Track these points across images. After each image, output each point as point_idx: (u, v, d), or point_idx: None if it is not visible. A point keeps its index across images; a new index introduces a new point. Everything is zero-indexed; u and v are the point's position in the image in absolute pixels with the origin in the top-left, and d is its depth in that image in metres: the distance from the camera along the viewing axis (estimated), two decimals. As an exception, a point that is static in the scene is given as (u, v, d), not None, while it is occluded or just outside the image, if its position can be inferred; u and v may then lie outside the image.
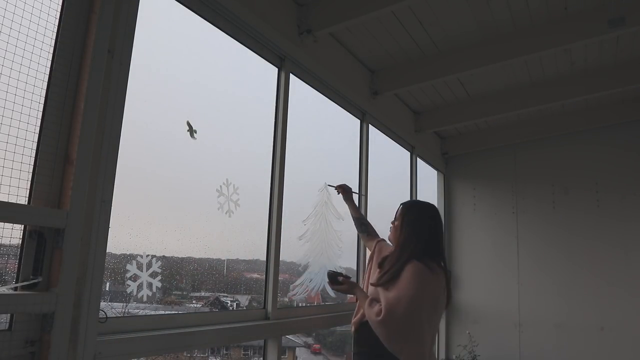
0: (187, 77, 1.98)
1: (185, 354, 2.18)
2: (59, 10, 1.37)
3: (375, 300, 1.92)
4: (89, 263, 1.36)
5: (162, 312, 1.79)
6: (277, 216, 2.34)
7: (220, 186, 2.03)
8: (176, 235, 1.80)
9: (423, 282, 1.83)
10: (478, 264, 4.52)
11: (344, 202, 2.67)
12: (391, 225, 2.16)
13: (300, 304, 2.78)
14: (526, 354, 4.12)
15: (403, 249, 1.97)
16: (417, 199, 2.19)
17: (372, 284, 2.02)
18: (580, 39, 2.70)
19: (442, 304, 1.96)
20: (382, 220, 3.64)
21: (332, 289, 2.20)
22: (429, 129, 4.12)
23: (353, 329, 2.09)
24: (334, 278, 2.18)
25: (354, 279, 2.35)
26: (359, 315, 2.05)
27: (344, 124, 3.23)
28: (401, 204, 2.14)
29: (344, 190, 2.65)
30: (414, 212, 2.05)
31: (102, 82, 1.42)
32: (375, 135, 3.47)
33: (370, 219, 3.20)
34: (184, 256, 1.92)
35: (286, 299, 2.63)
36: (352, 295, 2.18)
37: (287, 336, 2.52)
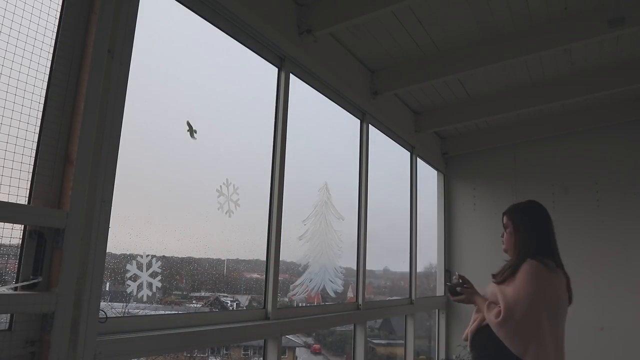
0: (187, 77, 1.98)
1: (185, 354, 2.18)
2: (59, 10, 1.37)
3: (494, 303, 1.89)
4: (89, 263, 1.36)
5: (162, 312, 1.79)
6: (277, 216, 2.34)
7: (220, 186, 2.03)
8: (176, 235, 1.80)
9: (541, 280, 1.81)
10: (478, 263, 4.52)
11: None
12: (502, 238, 2.16)
13: (300, 304, 2.78)
14: (526, 354, 4.11)
15: (519, 249, 1.98)
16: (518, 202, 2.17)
17: (492, 283, 2.01)
18: (580, 39, 2.70)
19: (565, 304, 1.91)
20: (382, 220, 3.65)
21: (453, 300, 2.17)
22: (429, 129, 4.12)
23: (468, 337, 2.03)
24: (453, 290, 2.15)
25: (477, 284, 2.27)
26: (475, 324, 1.99)
27: (344, 124, 3.23)
28: (506, 212, 2.16)
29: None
30: (523, 213, 2.08)
31: (102, 82, 1.42)
32: (375, 135, 3.47)
33: (370, 219, 3.22)
34: (184, 256, 1.92)
35: (286, 299, 2.63)
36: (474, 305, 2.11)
37: (287, 336, 2.52)
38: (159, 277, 1.73)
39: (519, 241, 2.01)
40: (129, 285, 1.65)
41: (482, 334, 1.93)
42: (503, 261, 4.58)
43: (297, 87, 2.62)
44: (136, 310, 1.72)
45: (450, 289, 2.18)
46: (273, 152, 2.40)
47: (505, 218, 2.14)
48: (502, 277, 1.93)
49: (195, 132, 1.89)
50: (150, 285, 1.69)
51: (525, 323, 1.75)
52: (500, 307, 1.81)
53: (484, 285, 4.43)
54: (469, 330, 2.04)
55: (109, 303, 1.66)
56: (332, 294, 2.94)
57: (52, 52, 1.35)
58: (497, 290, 1.88)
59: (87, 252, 1.35)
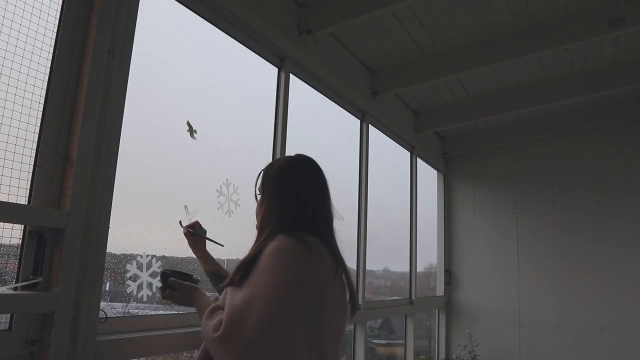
0: (187, 77, 1.98)
1: (185, 354, 2.18)
2: (59, 10, 1.37)
3: (219, 309, 1.18)
4: (89, 263, 1.36)
5: (162, 312, 1.79)
6: (277, 216, 2.34)
7: (220, 186, 2.03)
8: (176, 235, 1.80)
9: (293, 266, 1.12)
10: (478, 264, 4.52)
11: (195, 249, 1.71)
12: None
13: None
14: (526, 354, 4.12)
15: (263, 226, 1.29)
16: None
17: (221, 286, 1.28)
18: (580, 39, 2.70)
19: (338, 306, 1.22)
20: (382, 220, 3.65)
21: (163, 297, 1.44)
22: (429, 129, 4.12)
23: None
24: (165, 280, 1.42)
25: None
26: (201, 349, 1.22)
27: (344, 124, 3.23)
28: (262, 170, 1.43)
29: (191, 233, 1.67)
30: (279, 171, 1.36)
31: (102, 82, 1.42)
32: (375, 135, 3.47)
33: (370, 219, 3.21)
34: (184, 256, 1.92)
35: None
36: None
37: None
38: (159, 277, 1.73)
39: (267, 212, 1.29)
40: (129, 285, 1.65)
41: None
42: (503, 261, 4.51)
43: (297, 87, 2.62)
44: (136, 310, 1.72)
45: (163, 278, 1.43)
46: (273, 152, 2.40)
47: (259, 179, 1.41)
48: (241, 272, 1.17)
49: (195, 132, 1.89)
50: (150, 285, 1.70)
51: (261, 340, 1.02)
52: (222, 314, 1.11)
53: (483, 285, 4.39)
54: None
55: (109, 303, 1.66)
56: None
57: (52, 52, 1.35)
58: (230, 288, 1.17)
59: (87, 252, 1.35)
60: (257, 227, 1.35)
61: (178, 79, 1.93)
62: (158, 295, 1.72)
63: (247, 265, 1.16)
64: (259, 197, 1.39)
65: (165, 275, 1.43)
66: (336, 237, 1.37)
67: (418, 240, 4.08)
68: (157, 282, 1.72)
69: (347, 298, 1.27)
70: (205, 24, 2.03)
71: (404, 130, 3.84)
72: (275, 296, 1.06)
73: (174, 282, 1.41)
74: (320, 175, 1.44)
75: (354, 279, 3.11)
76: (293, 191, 1.31)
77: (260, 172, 1.42)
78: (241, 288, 1.12)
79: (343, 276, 1.28)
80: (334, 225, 1.41)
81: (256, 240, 1.29)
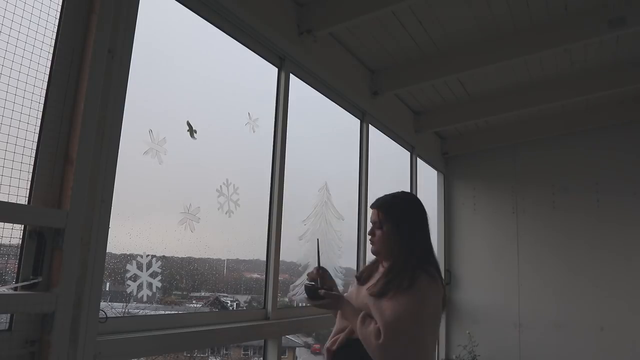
0: (187, 77, 1.98)
1: (185, 354, 2.18)
2: (59, 10, 1.37)
3: (369, 316, 1.53)
4: (89, 263, 1.36)
5: (162, 312, 1.79)
6: (277, 216, 2.34)
7: (220, 186, 2.03)
8: (176, 235, 1.80)
9: (430, 297, 1.53)
10: (478, 264, 4.52)
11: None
12: (370, 237, 1.72)
13: (300, 304, 2.78)
14: (526, 354, 4.12)
15: (403, 255, 1.60)
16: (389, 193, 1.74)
17: (359, 287, 1.68)
18: (580, 39, 2.70)
19: (441, 313, 1.66)
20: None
21: (314, 305, 1.71)
22: (429, 129, 4.12)
23: (330, 353, 1.62)
24: (314, 293, 1.70)
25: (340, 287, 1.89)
26: (342, 336, 1.61)
27: (344, 124, 3.23)
28: (379, 206, 1.71)
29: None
30: (405, 209, 1.70)
31: (102, 82, 1.42)
32: (375, 135, 3.47)
33: (370, 219, 3.20)
34: (184, 256, 1.92)
35: (286, 299, 2.63)
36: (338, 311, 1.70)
37: (287, 336, 2.52)
38: (159, 277, 1.73)
39: (401, 244, 1.61)
40: (129, 285, 1.65)
41: (352, 351, 1.54)
42: (503, 261, 4.49)
43: (297, 87, 2.62)
44: (136, 310, 1.72)
45: (310, 292, 1.71)
46: (273, 152, 2.40)
47: (378, 213, 1.69)
48: (381, 288, 1.53)
49: (195, 132, 1.89)
50: (150, 285, 1.70)
51: (411, 347, 1.44)
52: (378, 324, 1.46)
53: (483, 285, 4.38)
54: (330, 343, 1.62)
55: (109, 303, 1.66)
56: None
57: (52, 52, 1.35)
58: (372, 303, 1.52)
59: (87, 252, 1.35)
60: (375, 252, 1.72)
61: (178, 79, 1.93)
62: (158, 295, 1.72)
63: (390, 283, 1.53)
64: (379, 225, 1.68)
65: (313, 289, 1.71)
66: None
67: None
68: (157, 282, 1.72)
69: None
70: (205, 24, 2.03)
71: (404, 130, 3.83)
72: (420, 319, 1.48)
73: (326, 293, 1.68)
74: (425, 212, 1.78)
75: (353, 279, 3.12)
76: (424, 226, 1.72)
77: (377, 204, 1.73)
78: (381, 301, 1.50)
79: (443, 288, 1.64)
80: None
81: (382, 262, 1.70)
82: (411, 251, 1.60)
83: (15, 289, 1.23)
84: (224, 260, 2.18)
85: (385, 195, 1.75)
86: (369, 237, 1.73)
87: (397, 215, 1.66)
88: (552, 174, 4.28)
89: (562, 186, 4.21)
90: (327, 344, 1.64)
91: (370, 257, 3.25)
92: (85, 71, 1.39)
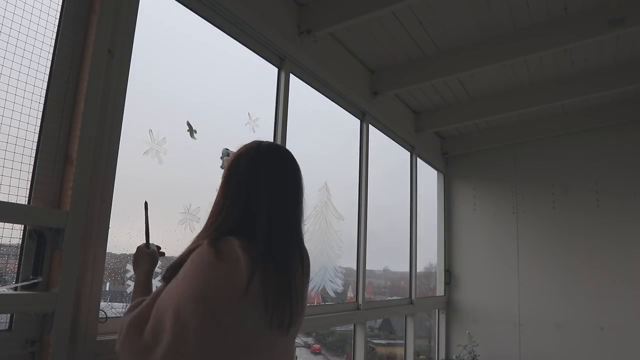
0: (187, 77, 1.98)
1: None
2: (59, 10, 1.37)
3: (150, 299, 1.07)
4: (89, 263, 1.36)
5: (162, 312, 1.78)
6: (277, 216, 2.34)
7: (220, 186, 2.03)
8: (176, 235, 1.80)
9: (196, 276, 1.01)
10: (478, 264, 4.52)
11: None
12: None
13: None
14: (526, 354, 4.12)
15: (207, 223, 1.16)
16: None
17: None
18: (580, 39, 2.70)
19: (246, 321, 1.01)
20: (382, 220, 3.65)
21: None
22: (429, 129, 4.12)
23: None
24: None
25: None
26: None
27: (344, 124, 3.23)
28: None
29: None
30: (231, 167, 1.20)
31: (102, 82, 1.42)
32: (375, 135, 3.47)
33: (370, 219, 3.21)
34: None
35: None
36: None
37: (287, 336, 2.51)
38: (159, 277, 1.73)
39: (214, 209, 1.17)
40: (129, 285, 1.65)
41: None
42: (503, 261, 4.50)
43: (297, 87, 2.62)
44: (136, 310, 1.71)
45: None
46: (273, 152, 2.40)
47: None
48: (169, 272, 1.10)
49: (195, 132, 1.89)
50: (150, 285, 1.69)
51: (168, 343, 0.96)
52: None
53: (483, 285, 4.39)
54: None
55: (109, 303, 1.66)
56: (332, 294, 2.94)
57: (52, 52, 1.35)
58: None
59: (87, 252, 1.35)
60: None
61: (178, 78, 1.93)
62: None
63: (174, 266, 1.10)
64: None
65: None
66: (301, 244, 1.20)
67: (418, 240, 4.08)
68: (157, 282, 1.71)
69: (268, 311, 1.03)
70: (205, 24, 2.03)
71: (404, 130, 3.84)
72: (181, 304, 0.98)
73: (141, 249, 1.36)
74: (286, 171, 1.22)
75: (353, 279, 3.12)
76: (242, 190, 1.13)
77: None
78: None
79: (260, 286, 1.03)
80: (299, 230, 1.21)
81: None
82: (212, 216, 1.15)
83: (15, 289, 1.23)
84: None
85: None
86: None
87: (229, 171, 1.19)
88: (552, 174, 4.28)
89: (562, 186, 4.22)
90: None
91: (370, 257, 3.26)
92: (85, 71, 1.39)
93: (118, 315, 1.61)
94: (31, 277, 1.25)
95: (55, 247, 1.28)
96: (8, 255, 1.26)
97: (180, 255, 1.12)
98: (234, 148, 1.27)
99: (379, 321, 4.25)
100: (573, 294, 4.00)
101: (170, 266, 1.11)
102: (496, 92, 3.71)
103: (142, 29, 1.61)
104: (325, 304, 2.92)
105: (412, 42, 2.94)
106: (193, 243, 1.13)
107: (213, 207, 1.17)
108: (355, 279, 3.13)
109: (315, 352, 3.71)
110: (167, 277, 1.08)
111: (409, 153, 4.09)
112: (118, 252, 1.61)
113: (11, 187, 1.23)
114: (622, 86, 3.34)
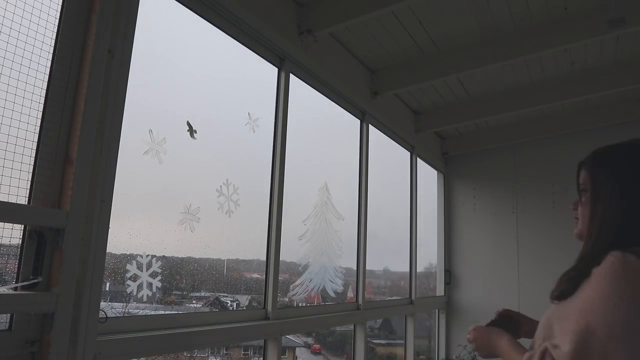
0: (187, 77, 1.98)
1: (185, 354, 2.18)
2: (59, 10, 1.37)
3: (524, 349, 1.12)
4: (89, 263, 1.36)
5: (162, 312, 1.79)
6: (277, 216, 2.34)
7: (220, 186, 2.03)
8: (176, 235, 1.80)
9: (632, 287, 0.89)
10: (478, 263, 4.52)
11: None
12: (575, 212, 1.18)
13: (300, 304, 2.78)
14: (526, 354, 4.11)
15: (590, 233, 1.07)
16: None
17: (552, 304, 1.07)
18: (580, 39, 2.70)
19: None
20: (382, 220, 3.65)
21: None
22: (429, 129, 4.12)
23: None
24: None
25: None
26: None
27: (344, 124, 3.23)
28: (585, 163, 1.21)
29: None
30: (621, 167, 1.12)
31: (102, 82, 1.42)
32: (375, 135, 3.47)
33: (370, 219, 3.21)
34: (184, 256, 1.92)
35: (286, 299, 2.63)
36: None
37: (287, 336, 2.52)
38: (159, 277, 1.73)
39: (599, 217, 1.05)
40: (129, 285, 1.65)
41: None
42: (503, 261, 4.50)
43: (297, 87, 2.62)
44: (136, 310, 1.72)
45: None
46: (273, 152, 2.40)
47: (583, 174, 1.18)
48: (561, 288, 1.03)
49: (195, 132, 1.89)
50: (150, 285, 1.70)
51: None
52: (552, 344, 0.96)
53: (483, 284, 4.37)
54: None
55: (109, 303, 1.66)
56: (332, 294, 2.94)
57: (52, 52, 1.35)
58: (551, 315, 1.04)
59: (87, 252, 1.35)
60: (578, 234, 1.14)
61: (178, 79, 1.93)
62: (158, 295, 1.72)
63: (571, 278, 1.00)
64: (584, 192, 1.14)
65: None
66: None
67: (418, 240, 4.08)
68: (157, 282, 1.72)
69: None
70: (206, 24, 2.03)
71: (404, 130, 3.84)
72: (615, 334, 0.86)
73: (476, 328, 1.29)
74: None
75: (353, 279, 3.12)
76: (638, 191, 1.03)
77: (589, 161, 1.18)
78: (566, 306, 0.97)
79: None
80: None
81: (583, 250, 1.08)
82: (605, 225, 1.04)
83: (15, 289, 1.23)
84: (224, 260, 2.18)
85: (605, 148, 1.20)
86: (574, 214, 1.18)
87: (604, 174, 1.13)
88: (552, 174, 4.27)
89: (562, 186, 4.21)
90: None
91: (370, 257, 3.26)
92: (85, 71, 1.39)
93: (118, 315, 1.62)
94: (31, 277, 1.25)
95: (55, 247, 1.28)
96: (8, 255, 1.26)
97: (573, 268, 1.04)
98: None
99: (379, 321, 4.25)
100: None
101: (562, 280, 1.03)
102: (496, 92, 3.71)
103: (142, 29, 1.61)
104: (325, 304, 2.92)
105: (412, 42, 2.94)
106: (584, 255, 1.05)
107: (591, 211, 1.08)
108: (355, 279, 3.13)
109: (315, 352, 3.71)
110: (558, 295, 1.01)
111: (409, 153, 4.09)
112: (118, 252, 1.61)
113: (11, 187, 1.23)
114: (622, 86, 3.34)
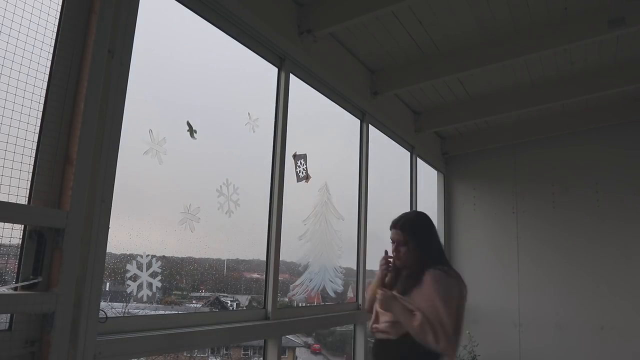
0: (187, 77, 1.98)
1: (185, 353, 2.18)
2: (59, 10, 1.37)
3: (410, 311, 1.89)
4: (89, 263, 1.36)
5: (162, 312, 1.79)
6: (277, 216, 2.34)
7: (220, 186, 2.03)
8: (176, 235, 1.80)
9: (450, 289, 1.95)
10: (478, 264, 4.52)
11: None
12: (392, 252, 2.04)
13: (300, 304, 2.78)
14: (526, 354, 4.12)
15: (414, 262, 1.98)
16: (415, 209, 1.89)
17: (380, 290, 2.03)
18: (580, 39, 2.70)
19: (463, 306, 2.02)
20: (382, 220, 3.64)
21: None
22: (429, 129, 4.12)
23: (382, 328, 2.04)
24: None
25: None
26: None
27: (344, 124, 3.23)
28: (400, 227, 2.02)
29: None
30: (421, 227, 2.05)
31: (102, 82, 1.42)
32: (375, 135, 3.47)
33: (370, 219, 3.21)
34: (184, 256, 1.92)
35: (286, 299, 2.63)
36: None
37: (287, 336, 2.52)
38: (159, 277, 1.73)
39: (420, 254, 1.99)
40: (129, 285, 1.65)
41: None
42: (503, 262, 4.53)
43: (297, 87, 2.62)
44: (136, 310, 1.72)
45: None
46: (273, 152, 2.40)
47: (400, 234, 2.01)
48: (403, 287, 1.96)
49: (195, 132, 1.89)
50: (150, 285, 1.69)
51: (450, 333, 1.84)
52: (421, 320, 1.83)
53: (483, 285, 4.39)
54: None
55: (109, 303, 1.66)
56: (332, 294, 2.94)
57: (52, 52, 1.35)
58: (403, 299, 1.92)
59: (87, 252, 1.35)
60: (400, 264, 2.03)
61: (178, 79, 1.93)
62: (158, 295, 1.72)
63: (408, 283, 1.95)
64: (400, 241, 2.00)
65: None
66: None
67: (418, 240, 4.07)
68: (157, 282, 1.72)
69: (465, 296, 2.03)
70: (205, 24, 2.03)
71: (404, 130, 3.83)
72: (448, 308, 1.85)
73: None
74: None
75: (353, 279, 3.12)
76: (434, 237, 2.06)
77: (398, 223, 2.03)
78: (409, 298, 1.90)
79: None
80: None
81: (407, 270, 2.01)
82: (425, 258, 1.99)
83: (15, 289, 1.23)
84: (224, 260, 2.18)
85: (402, 216, 2.07)
86: (393, 254, 2.04)
87: (417, 232, 2.01)
88: (552, 174, 4.28)
89: (562, 186, 4.21)
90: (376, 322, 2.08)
91: (370, 257, 3.26)
92: (85, 71, 1.39)
93: (118, 315, 1.62)
94: (31, 277, 1.25)
95: (55, 247, 1.28)
96: (8, 255, 1.26)
97: (408, 277, 2.03)
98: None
99: (379, 321, 4.24)
100: (573, 293, 4.00)
101: (402, 283, 2.05)
102: (496, 92, 3.71)
103: (142, 29, 1.61)
104: (325, 304, 2.92)
105: (412, 42, 2.94)
106: (411, 272, 2.01)
107: (414, 250, 2.01)
108: (355, 279, 3.13)
109: (315, 352, 3.71)
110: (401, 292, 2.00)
111: (409, 153, 4.09)
112: (118, 252, 1.61)
113: (11, 187, 1.23)
114: (622, 86, 3.34)
